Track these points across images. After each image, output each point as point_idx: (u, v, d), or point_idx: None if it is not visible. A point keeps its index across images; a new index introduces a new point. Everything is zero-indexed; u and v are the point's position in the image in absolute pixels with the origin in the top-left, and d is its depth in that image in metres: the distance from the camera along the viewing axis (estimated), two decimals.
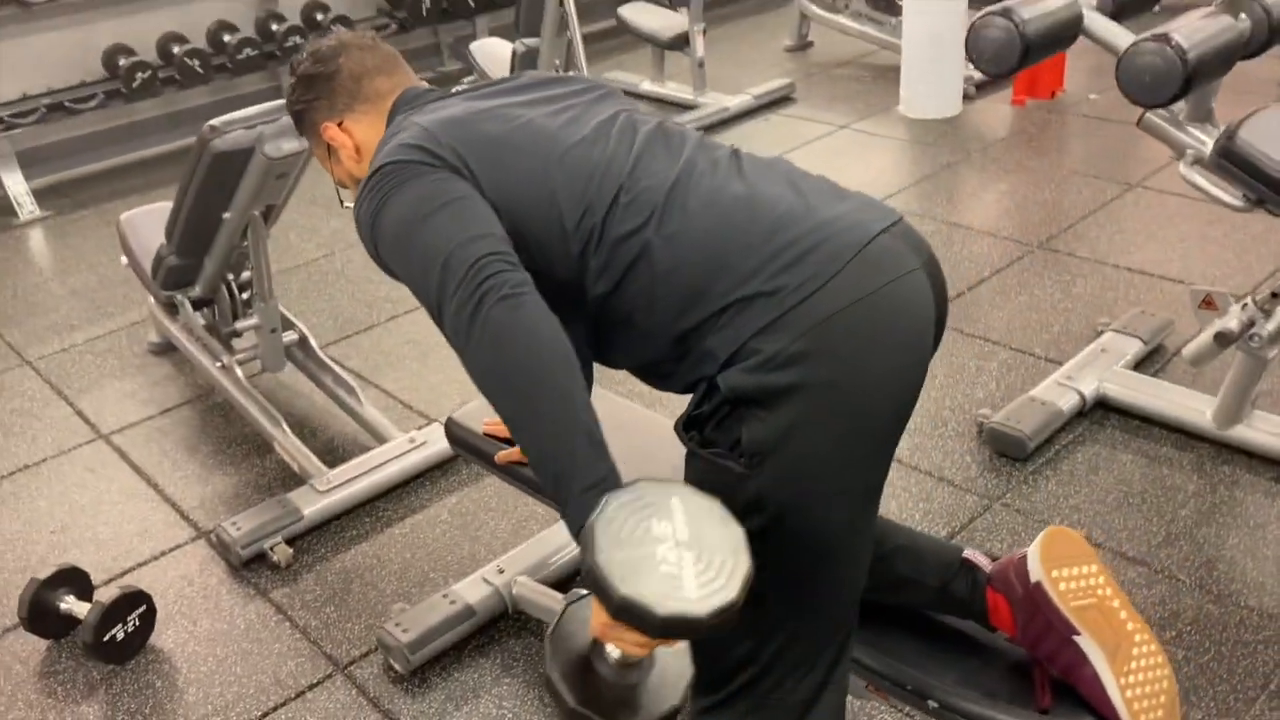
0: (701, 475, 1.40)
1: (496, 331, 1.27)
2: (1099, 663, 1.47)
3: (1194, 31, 2.23)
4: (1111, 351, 2.94)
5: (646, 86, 5.36)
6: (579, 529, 1.21)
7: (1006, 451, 2.70)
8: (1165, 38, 2.20)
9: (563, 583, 2.35)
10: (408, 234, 1.39)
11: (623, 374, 1.61)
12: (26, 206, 4.70)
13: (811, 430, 1.32)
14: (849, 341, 1.33)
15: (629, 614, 1.13)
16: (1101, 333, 3.07)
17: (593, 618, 1.21)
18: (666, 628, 1.13)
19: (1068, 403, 2.78)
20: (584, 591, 1.26)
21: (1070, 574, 1.50)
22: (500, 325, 1.27)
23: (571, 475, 1.24)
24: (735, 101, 5.12)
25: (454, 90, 1.63)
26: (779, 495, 1.34)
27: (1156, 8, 2.95)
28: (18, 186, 4.73)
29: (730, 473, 1.35)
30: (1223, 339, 2.51)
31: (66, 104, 4.87)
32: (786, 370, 1.32)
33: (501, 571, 2.32)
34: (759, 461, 1.34)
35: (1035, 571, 1.52)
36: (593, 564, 1.13)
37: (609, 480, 1.24)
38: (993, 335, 3.22)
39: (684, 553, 1.15)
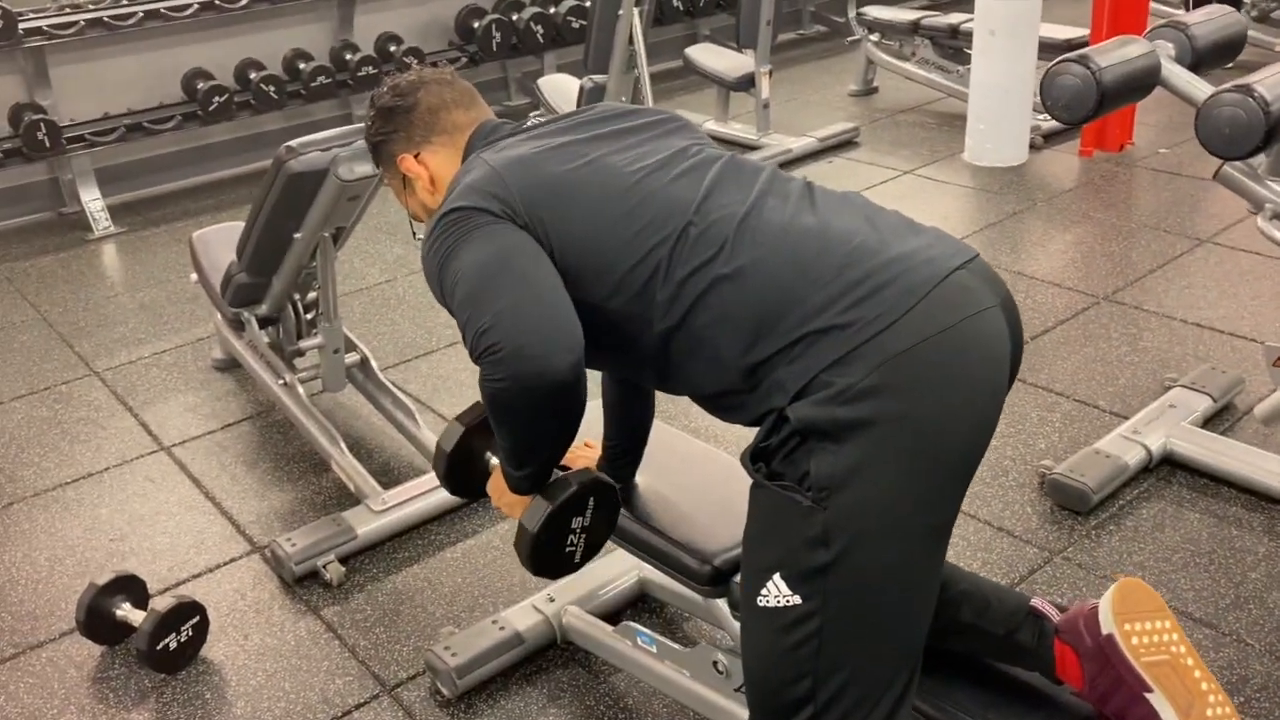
0: (767, 507, 1.39)
1: (512, 406, 1.44)
2: None
3: (1277, 84, 2.19)
4: (1180, 407, 2.88)
5: (711, 126, 5.39)
6: (515, 489, 1.63)
7: (1068, 504, 2.65)
8: (1248, 89, 2.17)
9: (613, 614, 2.33)
10: (466, 288, 1.45)
11: (683, 406, 1.61)
12: (102, 222, 4.82)
13: (882, 466, 1.31)
14: (923, 377, 1.32)
15: (531, 569, 1.65)
16: (1169, 388, 3.00)
17: (499, 493, 1.70)
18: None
19: (1133, 457, 2.71)
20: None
21: (1143, 628, 1.46)
22: (517, 406, 1.44)
23: (522, 483, 1.62)
24: (799, 144, 5.13)
25: (527, 123, 1.66)
26: (846, 531, 1.32)
27: (1229, 64, 2.92)
28: (94, 203, 4.86)
29: (797, 506, 1.34)
30: None
31: (145, 124, 5.01)
32: (858, 404, 1.30)
33: (552, 600, 2.31)
34: (826, 496, 1.32)
35: (1107, 624, 1.48)
36: (528, 551, 1.61)
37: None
38: (1056, 386, 3.16)
39: (582, 538, 1.66)
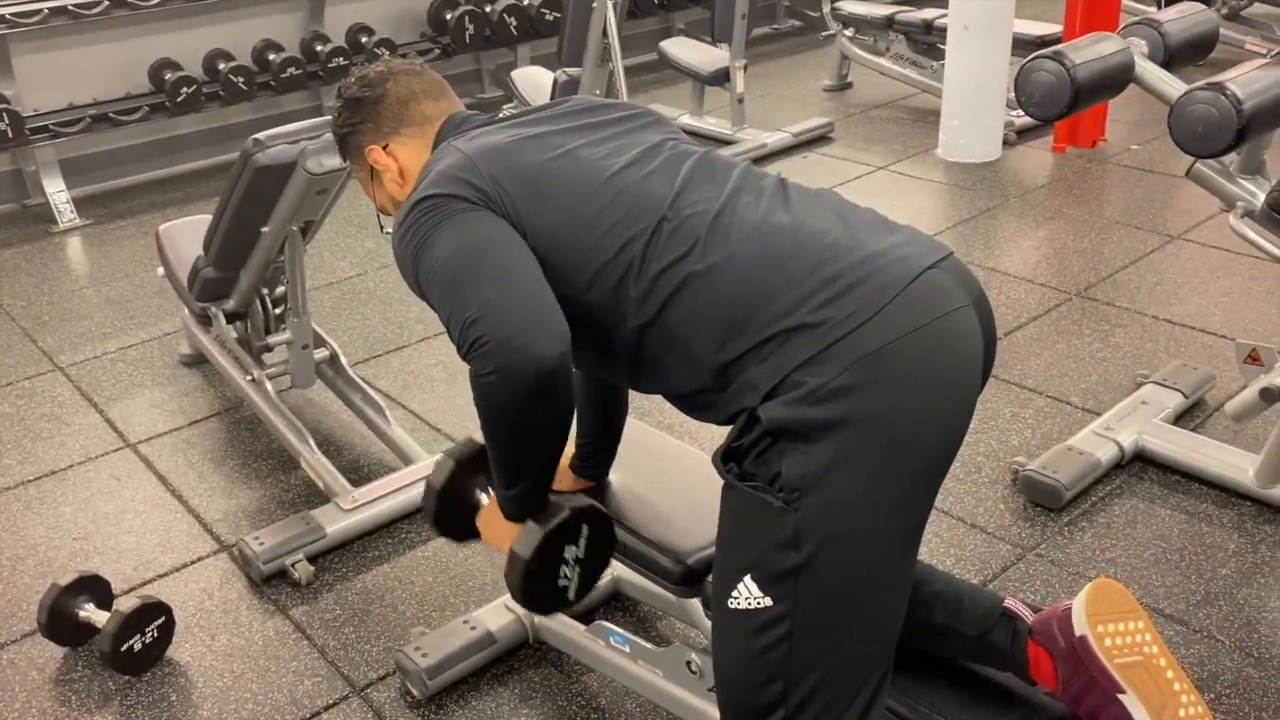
0: (738, 508, 1.38)
1: (502, 400, 1.39)
2: None
3: (1250, 82, 2.20)
4: (1152, 404, 2.89)
5: (685, 120, 5.37)
6: (509, 513, 1.58)
7: (1041, 501, 2.65)
8: (1220, 87, 2.17)
9: (585, 613, 2.31)
10: (446, 279, 1.41)
11: (656, 402, 1.59)
12: (66, 214, 4.74)
13: (854, 466, 1.29)
14: (896, 376, 1.30)
15: (522, 600, 1.60)
16: (1141, 384, 3.01)
17: (490, 526, 1.65)
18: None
19: (1106, 454, 2.72)
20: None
21: (1117, 629, 1.46)
22: (507, 399, 1.39)
23: (514, 503, 1.57)
24: (773, 139, 5.12)
25: (499, 115, 1.63)
26: (817, 532, 1.31)
27: (1201, 62, 2.93)
28: (59, 195, 4.78)
29: (768, 507, 1.32)
30: (1269, 395, 2.45)
31: (111, 115, 4.93)
32: (830, 404, 1.29)
33: None
34: (798, 497, 1.30)
35: (1080, 625, 1.48)
36: (519, 579, 1.55)
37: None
38: (1029, 382, 3.17)
39: (577, 570, 1.59)
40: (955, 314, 1.38)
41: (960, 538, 2.56)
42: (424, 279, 1.46)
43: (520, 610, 2.26)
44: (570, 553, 1.56)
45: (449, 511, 1.72)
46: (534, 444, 1.48)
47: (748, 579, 1.36)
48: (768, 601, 1.35)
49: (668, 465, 2.04)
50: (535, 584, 1.55)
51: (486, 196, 1.45)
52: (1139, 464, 2.78)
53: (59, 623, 2.29)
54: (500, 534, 1.60)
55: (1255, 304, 3.53)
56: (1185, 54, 2.57)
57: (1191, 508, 2.62)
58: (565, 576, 1.57)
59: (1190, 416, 2.95)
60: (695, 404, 1.48)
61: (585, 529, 1.57)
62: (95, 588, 2.34)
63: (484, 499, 1.69)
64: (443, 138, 1.62)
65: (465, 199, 1.45)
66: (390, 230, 1.56)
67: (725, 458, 1.40)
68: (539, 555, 1.52)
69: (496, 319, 1.35)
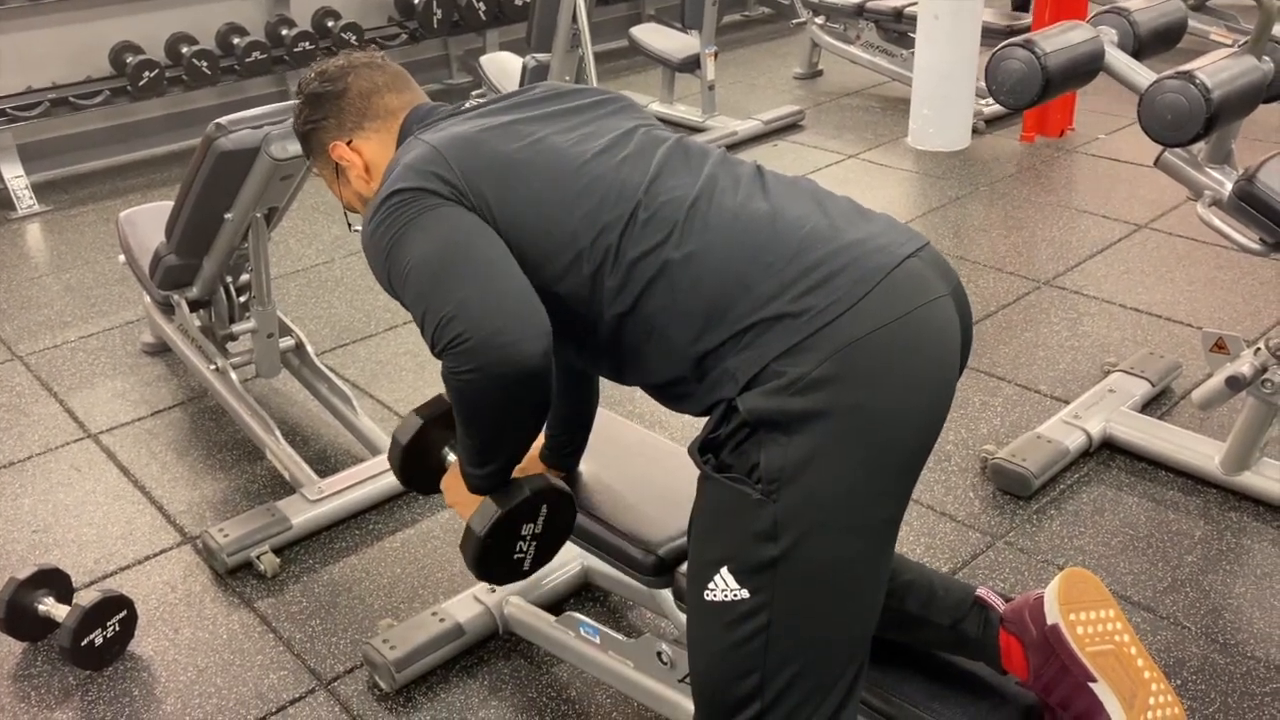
0: (716, 500, 1.36)
1: (481, 397, 1.38)
2: (1114, 711, 1.43)
3: (1218, 71, 2.20)
4: (1119, 392, 2.91)
5: (655, 108, 5.34)
6: (474, 488, 1.55)
7: (1010, 489, 2.66)
8: (1189, 76, 2.17)
9: (555, 604, 2.29)
10: (420, 277, 1.38)
11: (627, 392, 1.57)
12: (25, 200, 4.65)
13: (833, 458, 1.28)
14: (875, 367, 1.29)
15: (477, 574, 1.60)
16: (1109, 372, 3.03)
17: (452, 491, 1.63)
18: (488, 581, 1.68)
19: (1074, 442, 2.74)
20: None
21: (1088, 618, 1.46)
22: (486, 395, 1.37)
23: (482, 482, 1.55)
24: (744, 126, 5.11)
25: (466, 104, 1.60)
26: (795, 524, 1.29)
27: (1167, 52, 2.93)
28: (17, 180, 4.69)
29: (746, 499, 1.31)
30: (1234, 383, 2.47)
31: (71, 99, 4.84)
32: (810, 395, 1.27)
33: (493, 590, 2.27)
34: (776, 488, 1.29)
35: (1052, 614, 1.48)
36: (474, 554, 1.56)
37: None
38: (998, 371, 3.18)
39: (533, 545, 1.61)
40: (934, 304, 1.37)
41: (930, 526, 2.56)
42: (396, 277, 1.42)
43: (490, 601, 2.24)
44: (528, 529, 1.58)
45: (415, 466, 1.74)
46: (508, 433, 1.46)
47: (724, 571, 1.34)
48: (744, 594, 1.33)
49: (638, 456, 2.03)
50: (489, 559, 1.58)
51: (457, 190, 1.42)
52: (1107, 452, 2.79)
53: (17, 617, 2.25)
54: (461, 501, 1.59)
55: (1221, 292, 3.56)
56: (1154, 43, 2.57)
57: (1158, 495, 2.64)
58: (520, 551, 1.60)
59: (1157, 404, 2.97)
60: (673, 394, 1.47)
61: (544, 509, 1.59)
62: (55, 581, 2.30)
63: (450, 458, 1.71)
64: (408, 131, 1.59)
65: (436, 193, 1.42)
66: (359, 228, 1.53)
67: (703, 448, 1.38)
68: (494, 533, 1.54)
69: (478, 315, 1.31)
